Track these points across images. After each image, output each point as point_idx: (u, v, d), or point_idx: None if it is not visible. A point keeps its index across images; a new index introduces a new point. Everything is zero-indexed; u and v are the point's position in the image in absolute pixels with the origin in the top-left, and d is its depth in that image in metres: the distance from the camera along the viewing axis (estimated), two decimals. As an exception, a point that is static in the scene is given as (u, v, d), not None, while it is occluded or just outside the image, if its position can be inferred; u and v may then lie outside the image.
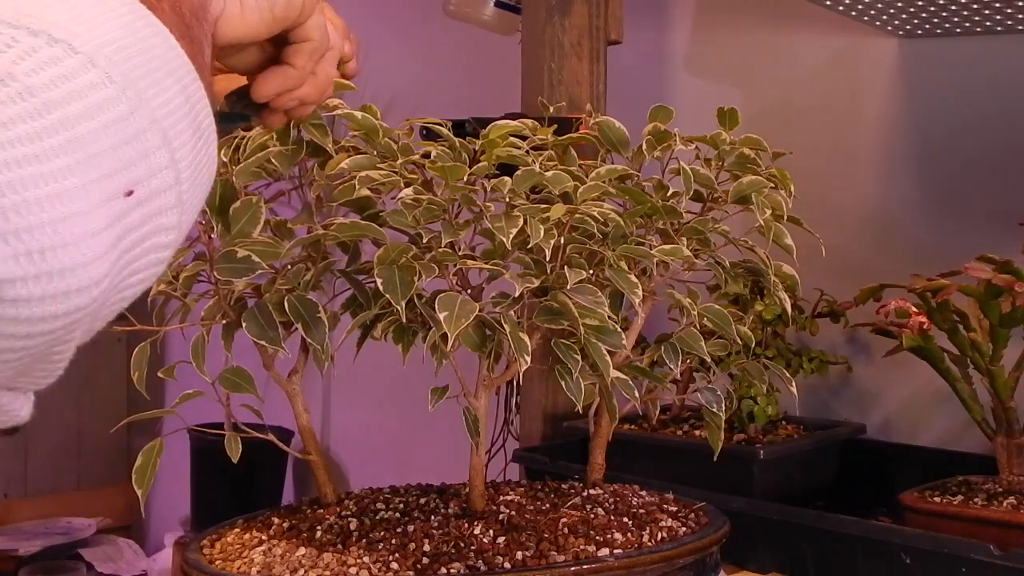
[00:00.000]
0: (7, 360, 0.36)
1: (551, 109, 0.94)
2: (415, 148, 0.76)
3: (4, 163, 0.34)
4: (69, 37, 0.37)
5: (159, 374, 0.78)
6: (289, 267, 0.76)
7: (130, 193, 0.38)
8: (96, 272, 0.37)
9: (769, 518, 1.00)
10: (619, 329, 0.74)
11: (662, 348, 0.82)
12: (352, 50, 0.68)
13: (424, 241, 0.73)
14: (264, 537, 0.77)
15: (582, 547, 0.71)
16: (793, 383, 0.88)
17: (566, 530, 0.73)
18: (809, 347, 1.35)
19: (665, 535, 0.76)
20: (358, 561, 0.70)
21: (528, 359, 0.70)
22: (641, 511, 0.80)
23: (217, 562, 0.75)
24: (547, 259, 0.72)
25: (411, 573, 0.68)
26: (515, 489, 0.85)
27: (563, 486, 0.86)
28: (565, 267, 0.72)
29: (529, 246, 0.70)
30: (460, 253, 0.74)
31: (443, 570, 0.68)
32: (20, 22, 0.36)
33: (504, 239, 0.70)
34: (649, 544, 0.74)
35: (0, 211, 0.33)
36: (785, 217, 0.84)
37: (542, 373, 1.25)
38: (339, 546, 0.73)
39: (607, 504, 0.81)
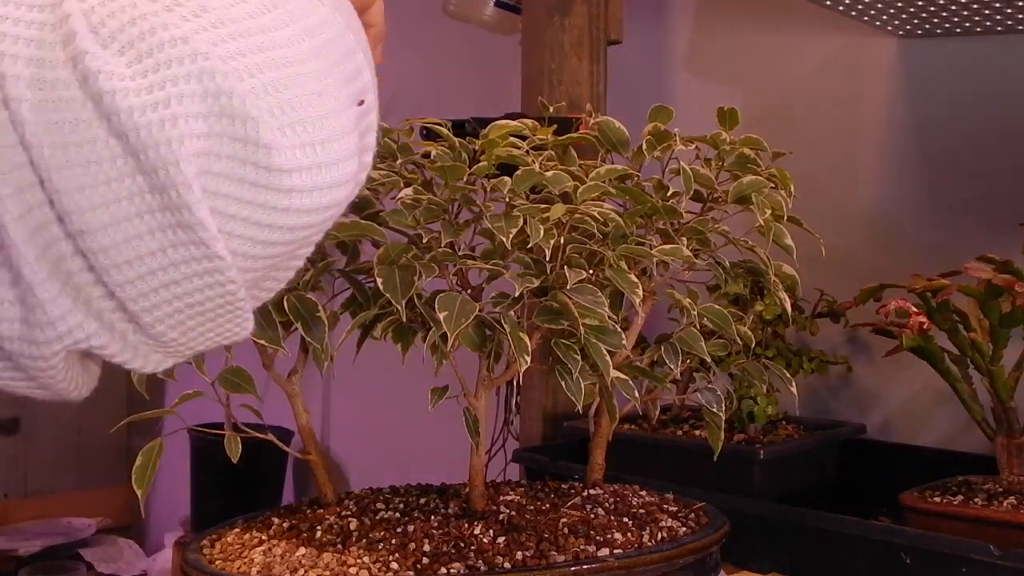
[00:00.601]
0: (268, 255, 0.38)
1: (551, 109, 0.94)
2: (415, 148, 0.76)
3: (273, 62, 0.36)
4: None
5: (159, 374, 0.78)
6: (289, 267, 0.76)
7: (361, 103, 0.41)
8: (350, 168, 0.39)
9: (769, 518, 1.00)
10: (619, 329, 0.74)
11: (662, 348, 0.82)
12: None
13: (424, 241, 0.73)
14: (264, 537, 0.77)
15: (582, 547, 0.71)
16: (793, 383, 0.88)
17: (566, 530, 0.73)
18: (809, 347, 1.35)
19: (665, 535, 0.76)
20: (358, 561, 0.70)
21: (528, 359, 0.70)
22: (641, 511, 0.80)
23: (217, 562, 0.75)
24: (547, 259, 0.72)
25: (411, 573, 0.68)
26: (515, 489, 0.85)
27: (563, 486, 0.86)
28: (565, 267, 0.72)
29: (529, 246, 0.70)
30: (460, 253, 0.74)
31: (443, 570, 0.68)
32: None
33: (504, 239, 0.70)
34: (649, 544, 0.74)
35: (276, 104, 0.35)
36: (785, 217, 0.84)
37: (542, 373, 1.25)
38: (339, 546, 0.73)
39: (607, 504, 0.81)
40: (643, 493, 0.85)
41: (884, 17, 1.28)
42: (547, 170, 0.77)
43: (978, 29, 1.28)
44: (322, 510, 0.81)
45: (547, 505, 0.79)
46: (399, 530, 0.74)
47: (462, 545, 0.71)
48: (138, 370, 0.40)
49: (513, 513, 0.76)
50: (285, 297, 0.74)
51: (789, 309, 0.85)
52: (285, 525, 0.79)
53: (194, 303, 0.37)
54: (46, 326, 0.35)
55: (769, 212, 0.82)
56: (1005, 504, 0.99)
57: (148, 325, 0.37)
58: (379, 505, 0.81)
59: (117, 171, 0.34)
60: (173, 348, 0.39)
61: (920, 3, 1.20)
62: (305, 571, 0.70)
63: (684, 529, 0.78)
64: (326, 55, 0.39)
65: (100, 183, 0.34)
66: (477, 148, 0.76)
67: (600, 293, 0.72)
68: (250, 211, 0.36)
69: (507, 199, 0.74)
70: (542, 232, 0.70)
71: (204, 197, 0.34)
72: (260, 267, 0.38)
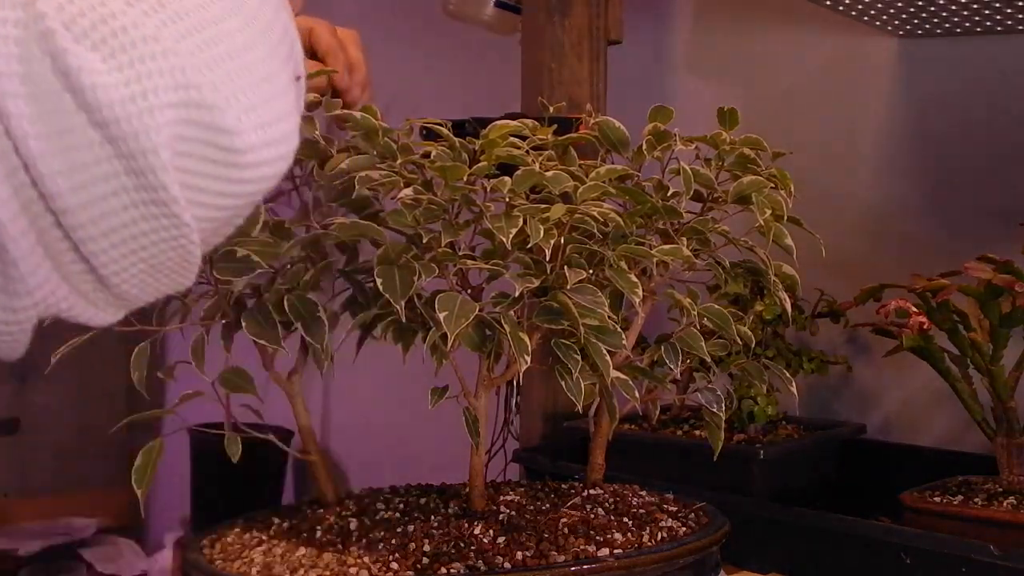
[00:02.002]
0: (221, 217, 0.43)
1: (551, 109, 0.94)
2: (415, 148, 0.76)
3: (228, 54, 0.41)
4: None
5: (159, 374, 0.78)
6: (288, 267, 0.76)
7: (298, 78, 0.46)
8: (294, 141, 0.45)
9: (769, 518, 1.00)
10: (619, 329, 0.74)
11: (662, 348, 0.82)
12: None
13: (424, 241, 0.73)
14: (264, 537, 0.77)
15: (582, 547, 0.71)
16: (793, 383, 0.88)
17: (566, 530, 0.73)
18: (809, 347, 1.35)
19: (665, 535, 0.76)
20: (358, 561, 0.70)
21: (528, 359, 0.70)
22: (641, 511, 0.79)
23: (217, 562, 0.75)
24: (547, 259, 0.72)
25: (411, 573, 0.68)
26: (515, 489, 0.85)
27: (563, 486, 0.86)
28: (565, 267, 0.72)
29: (529, 246, 0.70)
30: (460, 253, 0.74)
31: (443, 570, 0.68)
32: None
33: (504, 239, 0.70)
34: (649, 544, 0.74)
35: (233, 93, 0.41)
36: (785, 217, 0.84)
37: (542, 373, 1.25)
38: (339, 546, 0.73)
39: (607, 504, 0.81)
40: (643, 493, 0.85)
41: (884, 17, 1.28)
42: (547, 170, 0.77)
43: (978, 29, 1.28)
44: (322, 510, 0.81)
45: (547, 505, 0.79)
46: (399, 530, 0.74)
47: (462, 545, 0.71)
48: (89, 322, 0.44)
49: (513, 513, 0.76)
50: (285, 297, 0.74)
51: (789, 309, 0.85)
52: (285, 525, 0.79)
53: (156, 264, 0.43)
54: (24, 295, 0.40)
55: (769, 212, 0.82)
56: (1005, 504, 0.99)
57: (114, 285, 0.42)
58: (379, 505, 0.81)
59: (95, 156, 0.38)
60: (128, 300, 0.45)
61: (920, 3, 1.20)
62: (305, 571, 0.70)
63: (684, 529, 0.78)
64: (267, 39, 0.44)
65: (79, 167, 0.38)
66: (477, 148, 0.76)
67: (600, 293, 0.72)
68: (212, 184, 0.41)
69: (507, 199, 0.74)
70: (542, 232, 0.70)
71: (176, 176, 0.39)
72: (212, 227, 0.44)
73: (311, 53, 0.87)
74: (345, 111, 0.76)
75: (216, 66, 0.40)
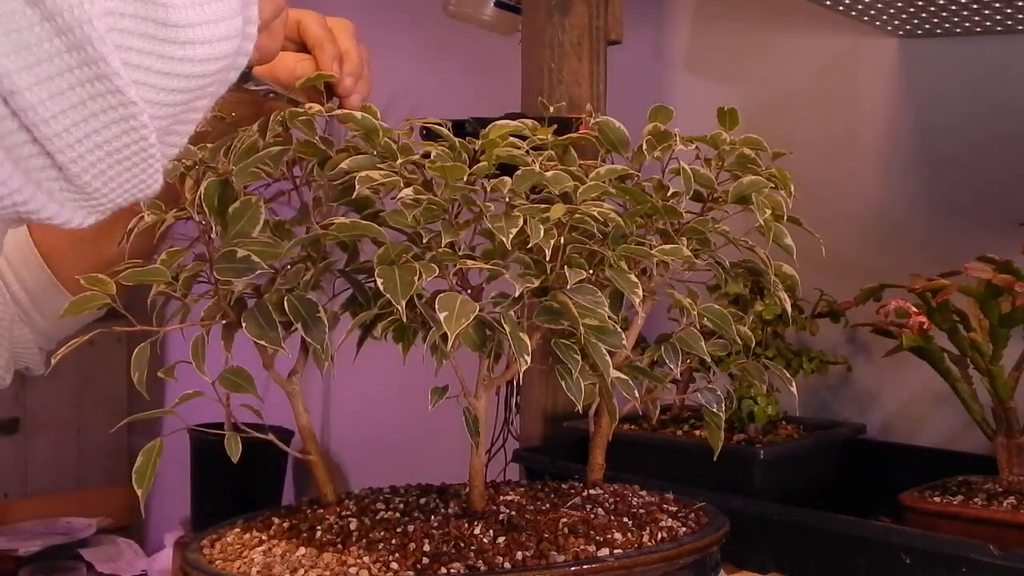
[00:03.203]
0: (171, 103, 0.44)
1: (551, 109, 0.94)
2: (415, 148, 0.76)
3: None
4: None
5: (159, 374, 0.78)
6: (289, 267, 0.76)
7: None
8: (236, 24, 0.46)
9: (769, 518, 1.00)
10: (619, 329, 0.73)
11: (662, 348, 0.82)
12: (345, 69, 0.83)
13: (424, 241, 0.73)
14: (264, 537, 0.77)
15: (582, 547, 0.71)
16: (793, 383, 0.88)
17: (566, 530, 0.73)
18: (809, 347, 1.35)
19: (665, 535, 0.76)
20: (358, 561, 0.70)
21: (528, 359, 0.70)
22: (641, 511, 0.79)
23: (217, 562, 0.75)
24: (547, 259, 0.72)
25: (411, 573, 0.68)
26: (515, 489, 0.85)
27: (563, 486, 0.86)
28: (565, 267, 0.72)
29: (529, 246, 0.70)
30: (460, 253, 0.74)
31: (443, 570, 0.68)
32: None
33: (504, 239, 0.70)
34: (649, 544, 0.74)
35: None
36: (785, 217, 0.84)
37: (542, 373, 1.25)
38: (339, 546, 0.73)
39: (607, 504, 0.81)
40: (643, 493, 0.85)
41: (884, 17, 1.28)
42: (547, 170, 0.77)
43: (978, 29, 1.28)
44: (322, 510, 0.81)
45: (547, 505, 0.79)
46: (399, 530, 0.74)
47: (462, 545, 0.71)
48: (64, 225, 0.45)
49: (513, 513, 0.76)
50: (285, 297, 0.74)
51: (789, 309, 0.85)
52: (285, 525, 0.79)
53: (113, 150, 0.43)
54: None
55: (769, 212, 0.82)
56: (1005, 504, 0.99)
57: (75, 176, 0.43)
58: (379, 505, 0.81)
59: (36, 36, 0.39)
60: (97, 200, 0.45)
61: (920, 3, 1.20)
62: (305, 571, 0.70)
63: (684, 529, 0.78)
64: None
65: (22, 48, 0.39)
66: (477, 148, 0.76)
67: (600, 293, 0.72)
68: (153, 61, 0.42)
69: (507, 199, 0.74)
70: (542, 232, 0.70)
71: (115, 52, 0.40)
72: (165, 115, 0.45)
73: (300, 45, 0.86)
74: (345, 111, 0.76)
75: None
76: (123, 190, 0.46)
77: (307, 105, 0.78)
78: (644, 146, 0.83)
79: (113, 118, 0.42)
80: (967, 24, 1.27)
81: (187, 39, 0.43)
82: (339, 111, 0.77)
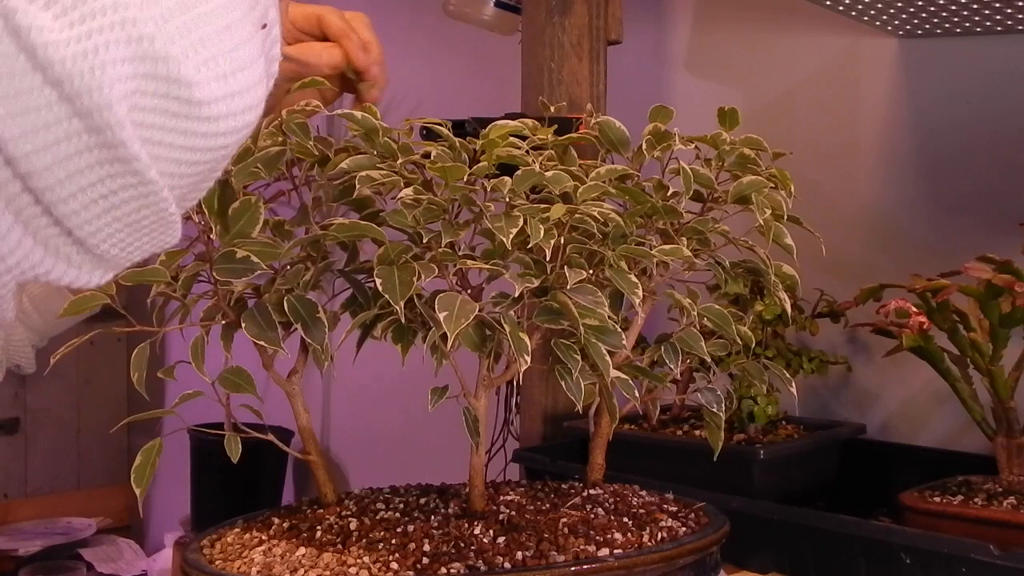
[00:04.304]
0: (192, 173, 0.43)
1: (551, 109, 0.94)
2: (415, 148, 0.76)
3: (182, 5, 0.40)
4: None
5: (159, 374, 0.78)
6: (288, 267, 0.76)
7: (264, 26, 0.46)
8: (260, 93, 0.45)
9: (769, 518, 1.00)
10: (619, 329, 0.73)
11: (662, 348, 0.82)
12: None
13: (424, 241, 0.73)
14: (264, 537, 0.77)
15: (582, 547, 0.71)
16: (793, 383, 0.88)
17: (566, 530, 0.73)
18: (809, 347, 1.35)
19: (665, 535, 0.76)
20: (358, 561, 0.70)
21: (528, 359, 0.70)
22: (641, 511, 0.79)
23: (217, 562, 0.75)
24: (547, 259, 0.72)
25: (411, 573, 0.68)
26: (515, 489, 0.85)
27: (563, 486, 0.86)
28: (565, 267, 0.72)
29: (529, 246, 0.70)
30: (460, 253, 0.74)
31: (443, 570, 0.68)
32: None
33: (504, 239, 0.70)
34: (649, 544, 0.74)
35: (191, 44, 0.40)
36: (785, 217, 0.84)
37: (542, 373, 1.25)
38: (339, 546, 0.73)
39: (607, 504, 0.81)
40: (643, 493, 0.85)
41: (884, 17, 1.28)
42: (547, 170, 0.77)
43: (978, 29, 1.28)
44: (322, 510, 0.81)
45: (547, 505, 0.79)
46: (399, 530, 0.74)
47: (462, 545, 0.71)
48: (81, 286, 0.44)
49: (513, 513, 0.76)
50: (285, 297, 0.74)
51: (789, 309, 0.85)
52: (285, 525, 0.79)
53: (132, 222, 0.42)
54: None
55: (769, 212, 0.82)
56: (1005, 504, 0.99)
57: (93, 246, 0.42)
58: (379, 505, 0.81)
59: (55, 116, 0.38)
60: (114, 261, 0.44)
61: (920, 3, 1.20)
62: (305, 571, 0.70)
63: (684, 529, 0.78)
64: None
65: (40, 128, 0.38)
66: (477, 148, 0.76)
67: (600, 293, 0.72)
68: (175, 138, 0.41)
69: (507, 199, 0.74)
70: (542, 232, 0.70)
71: (135, 132, 0.39)
72: (186, 183, 0.44)
73: (322, 38, 0.88)
74: (347, 112, 0.76)
75: (171, 17, 0.40)
76: (142, 251, 0.45)
77: (305, 102, 0.78)
78: (644, 146, 0.83)
79: (132, 195, 0.41)
80: (967, 24, 1.27)
81: (211, 115, 0.41)
82: (340, 111, 0.77)
